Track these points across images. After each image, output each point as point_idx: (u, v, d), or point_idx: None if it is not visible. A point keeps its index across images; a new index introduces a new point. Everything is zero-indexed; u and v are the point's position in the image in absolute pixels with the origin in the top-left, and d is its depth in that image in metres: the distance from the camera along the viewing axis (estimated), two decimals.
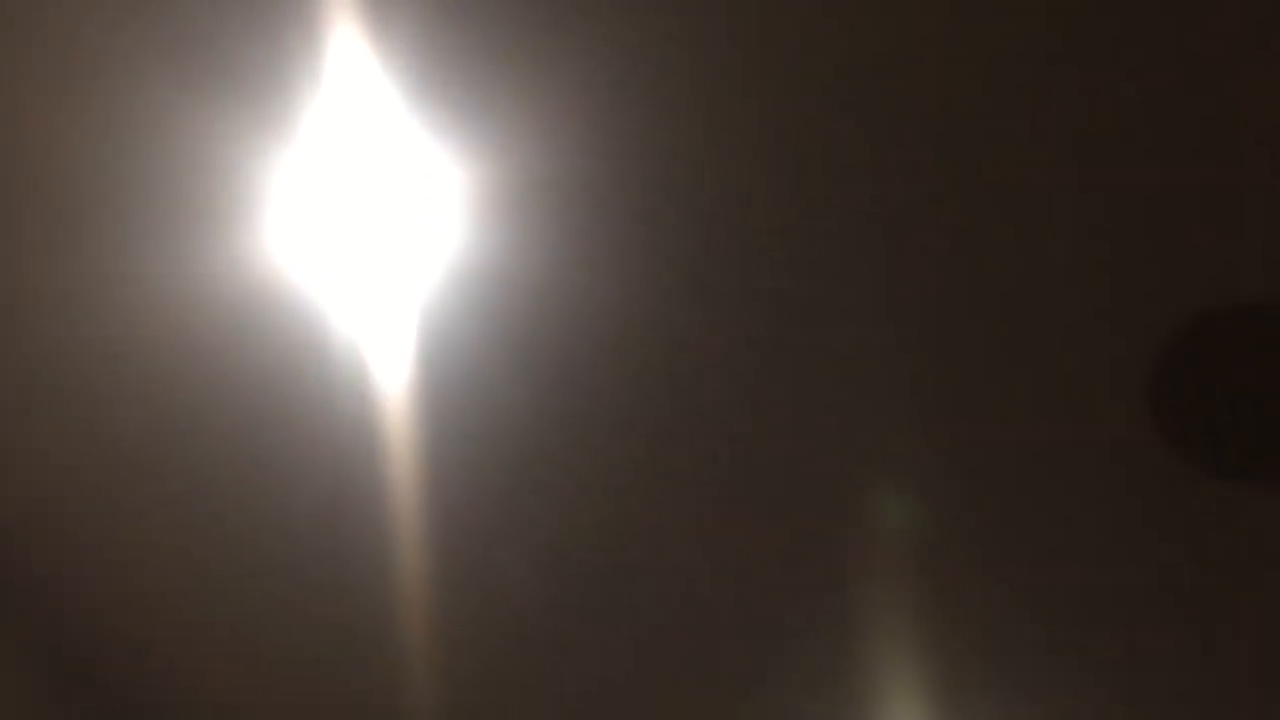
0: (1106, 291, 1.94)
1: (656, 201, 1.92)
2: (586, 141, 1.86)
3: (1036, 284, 1.95)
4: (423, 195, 1.96)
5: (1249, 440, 2.04)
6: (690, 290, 2.00)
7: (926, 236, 1.91)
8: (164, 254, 1.99)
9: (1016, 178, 1.85)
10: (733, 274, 1.97)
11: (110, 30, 1.75)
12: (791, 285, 1.98)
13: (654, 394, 2.11)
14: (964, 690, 2.38)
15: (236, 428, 2.22)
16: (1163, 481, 2.10)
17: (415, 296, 2.05)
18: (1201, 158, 1.80)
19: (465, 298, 2.04)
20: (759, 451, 2.15)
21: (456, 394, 2.14)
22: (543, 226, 1.95)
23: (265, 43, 1.77)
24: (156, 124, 1.85)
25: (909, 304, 1.98)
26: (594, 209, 1.93)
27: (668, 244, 1.96)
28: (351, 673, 2.52)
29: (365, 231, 2.00)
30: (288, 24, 1.76)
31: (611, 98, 1.82)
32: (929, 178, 1.85)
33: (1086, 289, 1.94)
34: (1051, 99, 1.77)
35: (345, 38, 1.78)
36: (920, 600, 2.30)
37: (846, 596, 2.29)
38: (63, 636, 2.52)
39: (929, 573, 2.25)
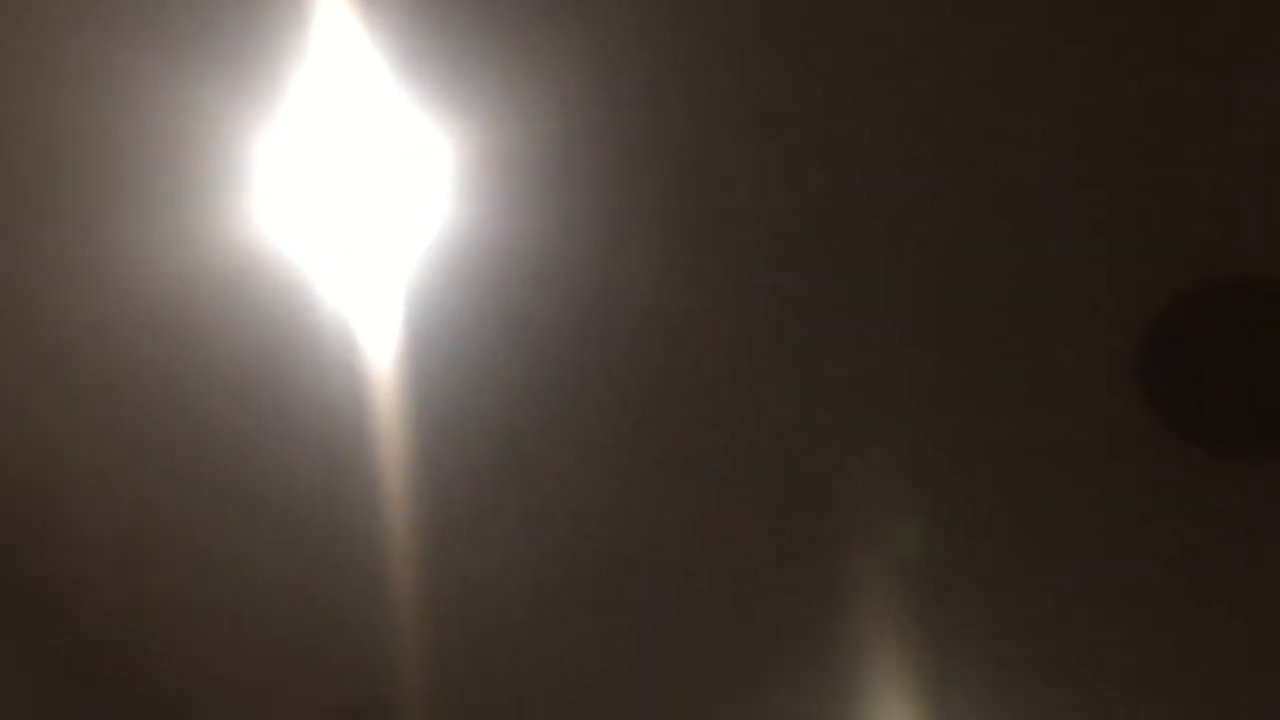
0: (1098, 271, 1.95)
1: (647, 176, 1.92)
2: (577, 114, 1.86)
3: (1028, 265, 1.96)
4: (411, 168, 1.95)
5: (1240, 416, 2.05)
6: (682, 264, 2.00)
7: (919, 218, 1.92)
8: (149, 229, 1.99)
9: (1009, 158, 1.85)
10: (726, 247, 1.98)
11: (91, 2, 1.74)
12: (784, 257, 1.98)
13: (645, 369, 2.12)
14: (957, 667, 2.39)
15: (224, 403, 2.21)
16: (1155, 459, 2.11)
17: (404, 269, 2.05)
18: (1192, 140, 1.80)
19: (454, 271, 2.03)
20: (752, 428, 2.16)
21: (445, 368, 2.14)
22: (532, 200, 1.95)
23: (251, 14, 1.76)
24: (139, 97, 1.84)
25: (901, 284, 1.99)
26: (584, 182, 1.93)
27: (659, 218, 1.96)
28: (342, 652, 2.52)
29: (353, 204, 1.99)
30: None
31: (603, 70, 1.81)
32: (921, 160, 1.85)
33: (1078, 268, 1.95)
34: (1045, 84, 1.77)
35: (332, 8, 1.77)
36: (913, 582, 2.30)
37: (839, 572, 2.30)
38: (49, 618, 2.52)
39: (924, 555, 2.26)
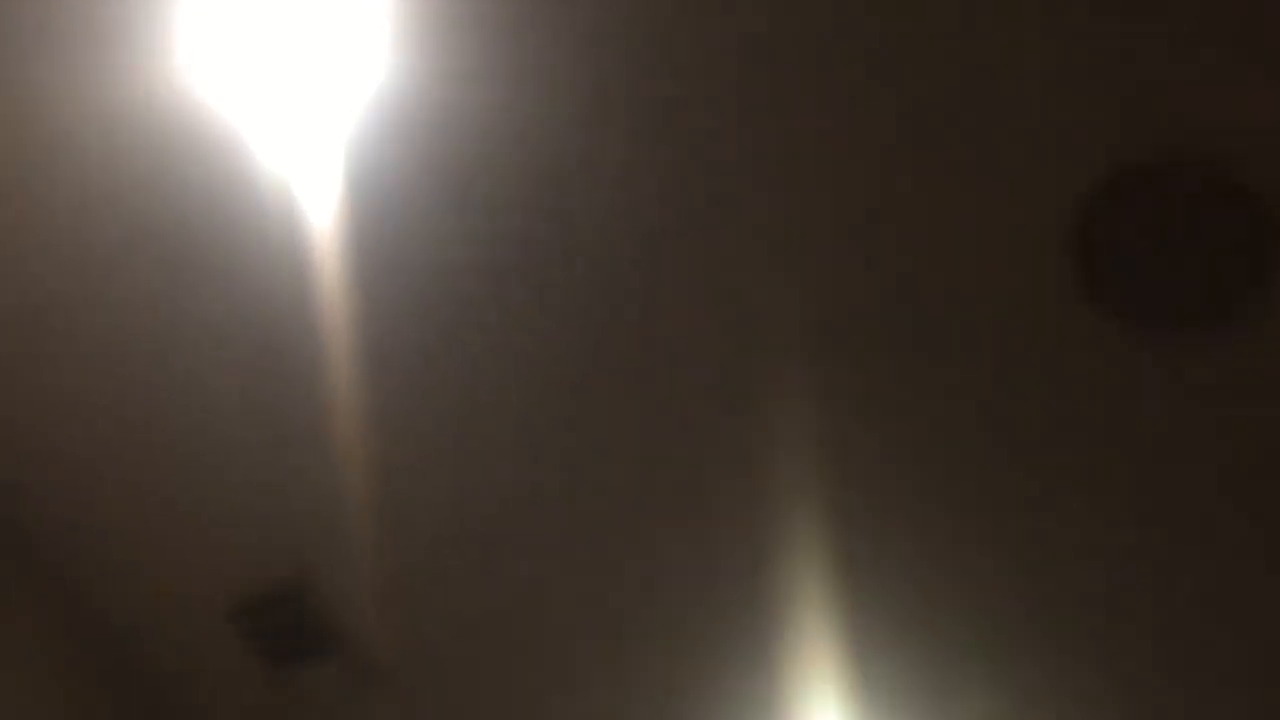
0: (1031, 149, 1.98)
1: (589, 29, 1.91)
2: None
3: (963, 140, 1.98)
4: (350, 19, 1.93)
5: (1166, 292, 2.08)
6: (621, 117, 2.00)
7: (864, 95, 1.94)
8: (82, 83, 1.97)
9: (949, 45, 1.88)
10: (662, 101, 1.98)
11: None
12: (722, 113, 1.99)
13: (580, 221, 2.13)
14: (875, 532, 2.39)
15: (160, 261, 2.22)
16: (1083, 332, 2.13)
17: (342, 122, 2.04)
18: (1127, 22, 1.82)
19: (392, 125, 2.03)
20: (686, 272, 2.17)
21: (384, 221, 2.15)
22: (472, 53, 1.94)
23: None
24: None
25: (837, 155, 2.01)
26: (524, 35, 1.92)
27: (599, 72, 1.96)
28: (280, 514, 2.53)
29: (292, 59, 1.98)
30: None
31: None
32: (872, 39, 1.87)
33: (1011, 147, 1.98)
34: None
35: None
36: (832, 426, 2.30)
37: (760, 419, 2.30)
38: None
39: (845, 401, 2.27)
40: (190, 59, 1.96)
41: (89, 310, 2.28)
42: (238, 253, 2.19)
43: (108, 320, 2.30)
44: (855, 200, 2.06)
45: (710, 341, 2.23)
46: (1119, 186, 2.00)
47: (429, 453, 2.41)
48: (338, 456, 2.41)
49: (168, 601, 2.65)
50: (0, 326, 2.30)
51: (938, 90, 1.94)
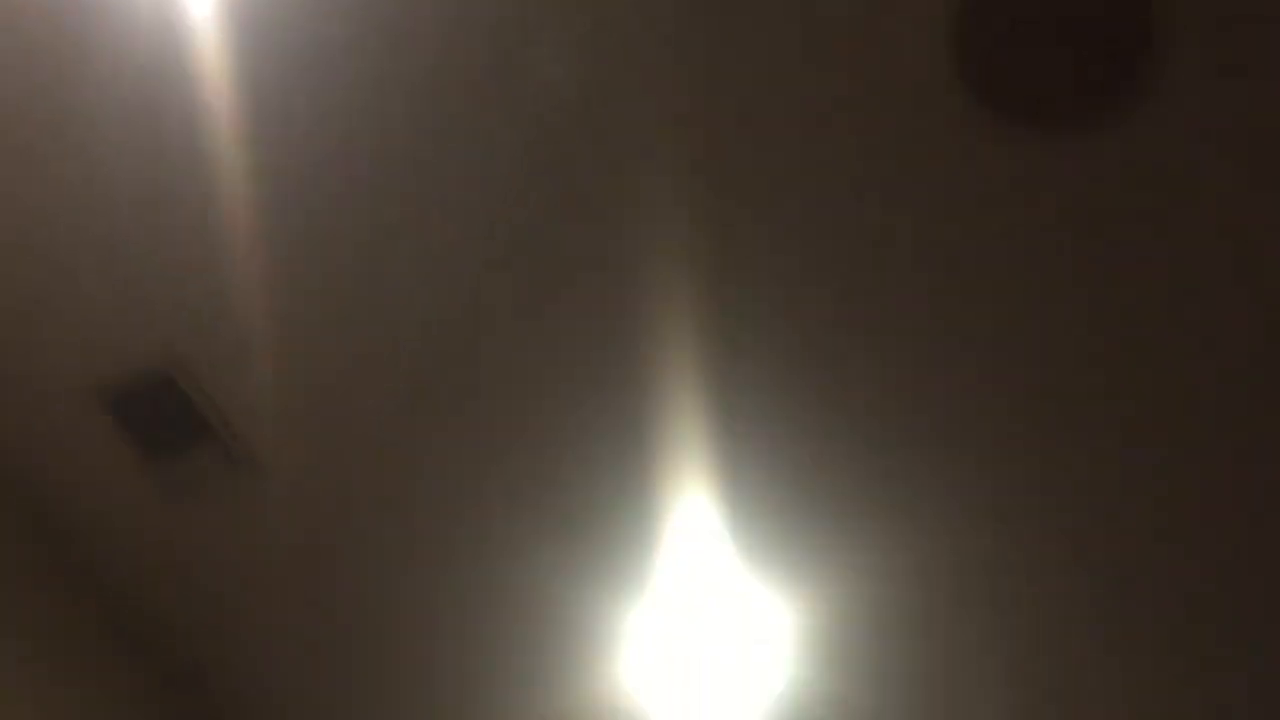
0: None
1: None
2: None
3: None
4: None
5: (1047, 88, 2.10)
6: None
7: None
8: None
9: None
10: None
11: None
12: None
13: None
14: (741, 281, 2.38)
15: (35, 42, 2.18)
16: (960, 123, 2.14)
17: None
18: None
19: None
20: (577, 58, 2.16)
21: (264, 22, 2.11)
22: None
23: None
24: None
25: None
26: None
27: None
28: (159, 296, 2.49)
29: None
30: None
31: None
32: None
33: None
34: None
35: None
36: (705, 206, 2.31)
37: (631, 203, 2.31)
38: None
39: (718, 180, 2.27)
40: None
41: None
42: (114, 39, 2.15)
43: None
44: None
45: (589, 128, 2.23)
46: None
47: (308, 238, 2.40)
48: (214, 244, 2.38)
49: (39, 390, 2.62)
50: None
51: None
